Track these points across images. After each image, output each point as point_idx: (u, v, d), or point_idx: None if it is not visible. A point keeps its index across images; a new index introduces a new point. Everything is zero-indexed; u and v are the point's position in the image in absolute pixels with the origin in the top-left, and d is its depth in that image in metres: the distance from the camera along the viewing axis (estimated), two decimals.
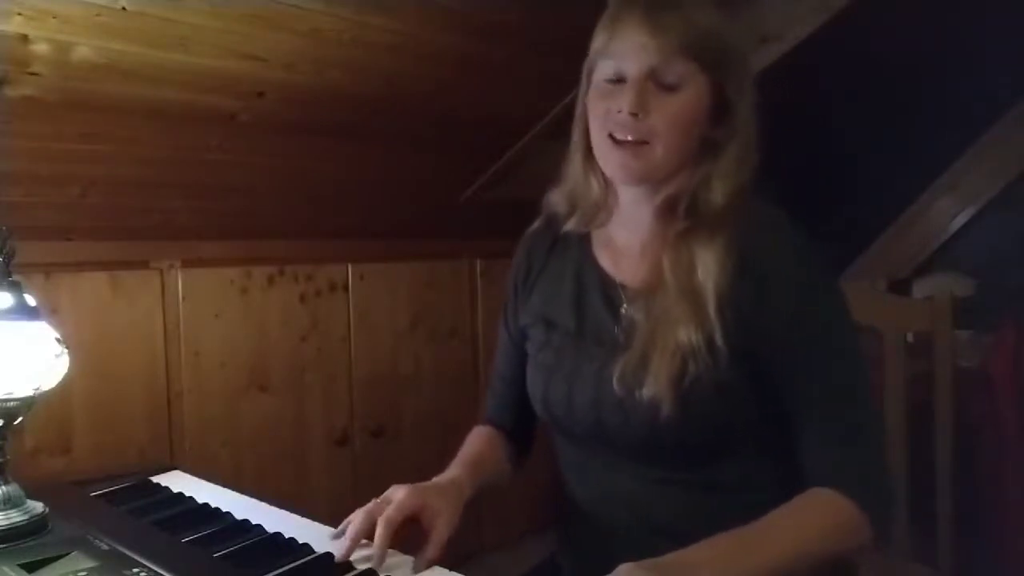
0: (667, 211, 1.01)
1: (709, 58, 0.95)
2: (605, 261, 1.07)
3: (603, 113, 0.97)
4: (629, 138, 0.95)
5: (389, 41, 1.58)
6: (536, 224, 1.16)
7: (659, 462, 0.98)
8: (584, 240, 1.09)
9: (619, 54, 0.96)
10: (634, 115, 0.94)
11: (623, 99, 0.94)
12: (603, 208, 1.06)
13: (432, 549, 0.92)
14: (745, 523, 0.87)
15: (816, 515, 0.90)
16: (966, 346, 1.85)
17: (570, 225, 1.08)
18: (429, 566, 0.91)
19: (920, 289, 2.41)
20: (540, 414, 1.09)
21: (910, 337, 1.58)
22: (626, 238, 1.06)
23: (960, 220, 2.63)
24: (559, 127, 2.02)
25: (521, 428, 1.17)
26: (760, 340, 0.93)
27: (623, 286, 1.03)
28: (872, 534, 0.90)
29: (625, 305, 1.02)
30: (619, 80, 0.96)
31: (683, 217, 0.98)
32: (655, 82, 0.94)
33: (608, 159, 0.98)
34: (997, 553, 1.92)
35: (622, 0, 0.97)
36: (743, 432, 0.97)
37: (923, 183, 2.67)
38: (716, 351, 0.92)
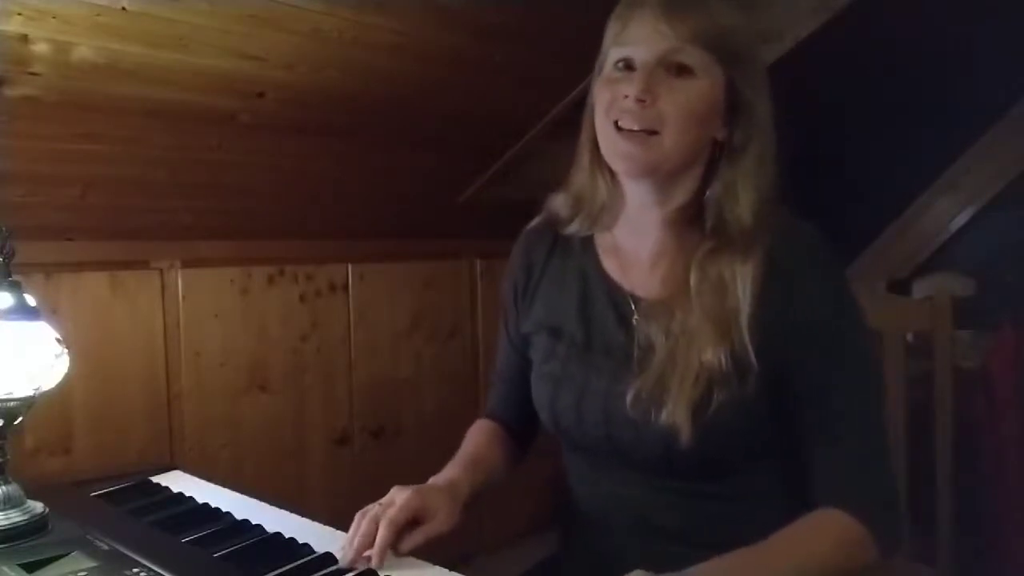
0: (678, 221, 0.98)
1: (725, 52, 0.91)
2: (612, 268, 1.03)
3: (609, 101, 0.93)
4: (635, 127, 0.90)
5: (389, 41, 1.57)
6: (536, 222, 1.12)
7: (670, 476, 0.97)
8: (588, 243, 1.06)
9: (631, 41, 0.92)
10: (641, 101, 0.89)
11: (630, 85, 0.90)
12: (608, 210, 1.02)
13: (414, 539, 0.91)
14: (754, 530, 0.87)
15: (820, 535, 0.89)
16: (966, 346, 1.85)
17: (573, 228, 1.05)
18: (406, 552, 0.91)
19: (920, 289, 2.41)
20: (546, 424, 1.06)
21: (910, 337, 1.58)
22: (634, 245, 1.02)
23: (960, 220, 2.63)
24: (559, 127, 2.03)
25: (523, 424, 1.16)
26: (783, 347, 0.91)
27: (633, 296, 1.00)
28: (877, 552, 0.88)
29: (636, 317, 0.98)
30: (628, 67, 0.92)
31: (710, 235, 0.94)
32: (666, 68, 0.90)
33: (613, 149, 0.94)
34: (997, 553, 1.91)
35: None
36: (759, 451, 0.95)
37: (923, 183, 2.67)
38: (743, 371, 0.89)
